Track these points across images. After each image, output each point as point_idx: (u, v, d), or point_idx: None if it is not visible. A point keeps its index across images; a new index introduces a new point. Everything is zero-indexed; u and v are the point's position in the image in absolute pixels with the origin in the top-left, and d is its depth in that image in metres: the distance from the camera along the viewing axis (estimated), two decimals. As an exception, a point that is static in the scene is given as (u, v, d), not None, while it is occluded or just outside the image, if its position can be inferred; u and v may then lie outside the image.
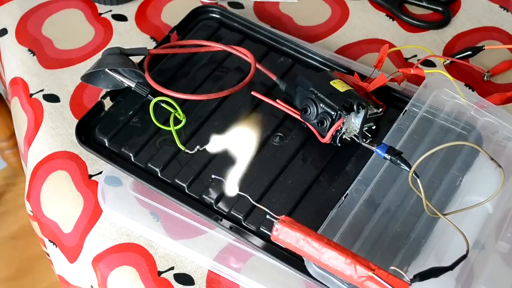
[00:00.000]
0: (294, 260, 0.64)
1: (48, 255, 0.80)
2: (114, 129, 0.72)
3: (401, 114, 0.70)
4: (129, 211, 0.69)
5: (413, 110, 0.70)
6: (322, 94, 0.69)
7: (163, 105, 0.72)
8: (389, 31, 0.86)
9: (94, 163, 0.74)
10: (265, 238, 0.65)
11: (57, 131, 0.77)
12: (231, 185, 0.67)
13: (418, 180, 0.60)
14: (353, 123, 0.69)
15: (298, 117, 0.71)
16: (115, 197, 0.70)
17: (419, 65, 0.78)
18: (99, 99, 0.74)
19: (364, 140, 0.67)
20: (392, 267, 0.56)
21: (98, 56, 0.81)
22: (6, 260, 1.39)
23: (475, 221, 0.64)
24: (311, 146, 0.71)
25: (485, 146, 0.69)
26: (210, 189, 0.68)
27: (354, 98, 0.68)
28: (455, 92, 0.71)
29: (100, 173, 0.73)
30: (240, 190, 0.67)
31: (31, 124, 0.78)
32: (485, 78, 0.81)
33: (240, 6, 0.88)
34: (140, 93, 0.73)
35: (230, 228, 0.66)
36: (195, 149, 0.70)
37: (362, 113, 0.68)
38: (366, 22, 0.86)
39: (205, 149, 0.70)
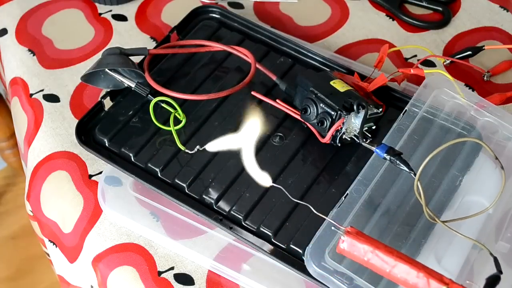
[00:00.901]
0: (294, 260, 0.64)
1: (48, 255, 0.80)
2: (114, 129, 0.72)
3: (401, 114, 0.70)
4: (129, 211, 0.69)
5: (413, 110, 0.70)
6: (322, 94, 0.69)
7: (163, 105, 0.72)
8: (389, 31, 0.86)
9: (94, 163, 0.74)
10: (265, 238, 0.65)
11: (57, 131, 0.77)
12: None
13: (418, 185, 0.60)
14: (353, 123, 0.69)
15: (298, 117, 0.71)
16: (115, 197, 0.70)
17: (419, 65, 0.78)
18: (99, 99, 0.74)
19: (364, 140, 0.67)
20: (467, 281, 0.54)
21: (98, 56, 0.81)
22: (6, 260, 1.39)
23: (475, 221, 0.64)
24: (311, 146, 0.71)
25: (485, 146, 0.69)
26: (210, 189, 0.68)
27: (354, 98, 0.68)
28: (455, 92, 0.71)
29: (100, 173, 0.73)
30: (240, 191, 0.67)
31: (31, 124, 0.78)
32: (485, 78, 0.81)
33: (240, 6, 0.88)
34: (140, 93, 0.73)
35: (230, 228, 0.66)
36: (195, 149, 0.70)
37: (362, 113, 0.68)
38: (366, 22, 0.86)
39: (205, 149, 0.70)
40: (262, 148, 0.71)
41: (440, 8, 0.87)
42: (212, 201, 0.67)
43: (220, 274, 0.66)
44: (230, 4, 0.88)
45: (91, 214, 0.71)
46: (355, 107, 0.67)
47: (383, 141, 0.66)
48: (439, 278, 0.52)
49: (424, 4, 0.87)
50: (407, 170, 0.62)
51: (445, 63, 0.82)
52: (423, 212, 0.62)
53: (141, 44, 0.84)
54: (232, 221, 0.66)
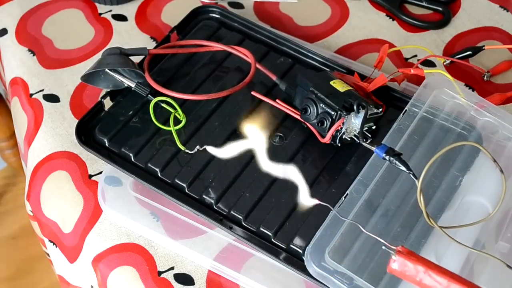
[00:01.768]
0: (294, 260, 0.64)
1: (48, 255, 0.80)
2: (114, 129, 0.72)
3: (401, 114, 0.70)
4: (129, 211, 0.69)
5: (413, 110, 0.70)
6: (322, 94, 0.69)
7: (163, 105, 0.72)
8: (389, 31, 0.86)
9: (94, 163, 0.74)
10: (265, 238, 0.65)
11: (57, 131, 0.77)
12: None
13: (418, 187, 0.59)
14: (353, 123, 0.69)
15: (298, 117, 0.71)
16: (115, 197, 0.70)
17: (419, 65, 0.78)
18: (99, 99, 0.74)
19: (364, 140, 0.67)
20: None
21: (98, 56, 0.81)
22: (6, 260, 1.39)
23: (475, 221, 0.64)
24: (311, 146, 0.71)
25: (485, 146, 0.69)
26: (210, 189, 0.68)
27: (354, 98, 0.68)
28: (455, 92, 0.71)
29: (100, 173, 0.73)
30: (240, 191, 0.67)
31: (31, 124, 0.78)
32: (485, 78, 0.81)
33: (240, 6, 0.88)
34: (140, 93, 0.73)
35: (230, 228, 0.66)
36: (195, 149, 0.70)
37: (362, 113, 0.68)
38: (366, 22, 0.86)
39: (205, 149, 0.70)
40: (262, 148, 0.71)
41: (440, 8, 0.87)
42: (212, 201, 0.67)
43: (220, 274, 0.66)
44: (230, 4, 0.88)
45: (91, 214, 0.71)
46: (355, 107, 0.67)
47: (383, 141, 0.66)
48: None
49: (424, 4, 0.87)
50: (406, 171, 0.62)
51: (445, 63, 0.82)
52: (424, 216, 0.61)
53: (141, 44, 0.84)
54: (232, 221, 0.66)
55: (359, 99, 0.68)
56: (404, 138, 0.68)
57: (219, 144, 0.71)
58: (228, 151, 0.71)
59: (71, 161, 0.74)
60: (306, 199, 0.67)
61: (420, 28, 0.86)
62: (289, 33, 0.84)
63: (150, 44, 0.84)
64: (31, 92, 0.80)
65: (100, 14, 0.87)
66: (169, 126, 0.71)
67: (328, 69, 0.77)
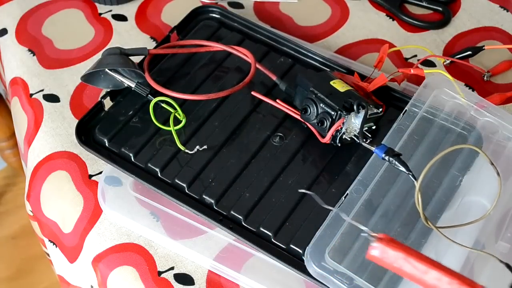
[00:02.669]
0: (294, 260, 0.64)
1: (48, 255, 0.80)
2: (114, 129, 0.72)
3: (401, 114, 0.70)
4: (129, 211, 0.69)
5: (413, 110, 0.70)
6: (322, 94, 0.69)
7: (163, 105, 0.72)
8: (389, 31, 0.86)
9: (94, 163, 0.74)
10: (265, 238, 0.65)
11: (57, 131, 0.77)
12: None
13: (416, 188, 0.59)
14: (353, 123, 0.69)
15: (298, 117, 0.71)
16: (115, 197, 0.70)
17: (419, 65, 0.78)
18: (99, 99, 0.74)
19: (364, 140, 0.67)
20: None
21: (98, 56, 0.81)
22: (6, 260, 1.39)
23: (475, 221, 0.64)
24: (311, 146, 0.71)
25: (485, 146, 0.69)
26: (210, 189, 0.68)
27: (354, 98, 0.68)
28: (455, 92, 0.71)
29: (100, 173, 0.73)
30: (240, 191, 0.67)
31: (31, 124, 0.78)
32: (485, 78, 0.81)
33: (240, 6, 0.88)
34: (140, 93, 0.73)
35: (230, 228, 0.66)
36: (195, 149, 0.70)
37: (362, 113, 0.68)
38: (366, 22, 0.86)
39: (205, 149, 0.70)
40: (262, 148, 0.71)
41: (440, 8, 0.87)
42: (212, 201, 0.67)
43: (220, 274, 0.66)
44: (230, 4, 0.88)
45: (91, 214, 0.71)
46: (355, 107, 0.67)
47: (383, 142, 0.66)
48: (472, 284, 0.52)
49: (424, 4, 0.87)
50: (406, 171, 0.62)
51: (445, 63, 0.82)
52: (422, 219, 0.61)
53: (141, 44, 0.84)
54: (232, 221, 0.66)
55: (359, 99, 0.68)
56: (404, 138, 0.68)
57: (219, 144, 0.71)
58: (228, 151, 0.71)
59: (71, 161, 0.74)
60: (306, 199, 0.67)
61: (420, 28, 0.86)
62: (289, 33, 0.84)
63: (150, 44, 0.84)
64: (31, 92, 0.80)
65: (100, 14, 0.87)
66: (169, 126, 0.71)
67: (328, 69, 0.77)
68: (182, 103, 0.72)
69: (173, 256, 0.68)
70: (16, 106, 0.82)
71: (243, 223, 0.66)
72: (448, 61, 0.81)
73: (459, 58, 0.81)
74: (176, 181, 0.68)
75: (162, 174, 0.69)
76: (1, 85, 1.00)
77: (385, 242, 0.54)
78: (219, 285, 0.66)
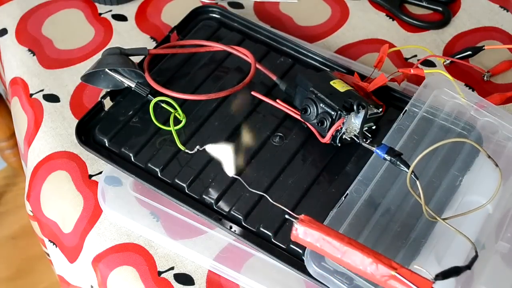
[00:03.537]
0: (294, 260, 0.64)
1: (48, 255, 0.80)
2: (114, 129, 0.72)
3: (401, 114, 0.70)
4: (129, 211, 0.69)
5: (413, 110, 0.70)
6: (322, 94, 0.69)
7: (163, 105, 0.72)
8: (389, 31, 0.86)
9: (94, 163, 0.74)
10: (265, 238, 0.65)
11: (57, 131, 0.77)
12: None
13: (417, 182, 0.60)
14: (353, 123, 0.69)
15: (298, 117, 0.71)
16: (115, 197, 0.70)
17: (419, 65, 0.78)
18: (99, 99, 0.74)
19: (364, 140, 0.67)
20: (415, 266, 0.55)
21: (98, 56, 0.81)
22: (6, 260, 1.39)
23: (475, 221, 0.64)
24: (311, 146, 0.71)
25: (485, 146, 0.69)
26: (210, 189, 0.68)
27: (354, 98, 0.68)
28: (455, 92, 0.71)
29: (100, 173, 0.73)
30: (240, 191, 0.67)
31: (31, 124, 0.78)
32: (485, 78, 0.81)
33: (240, 6, 0.88)
34: (140, 93, 0.73)
35: (230, 228, 0.66)
36: (195, 149, 0.70)
37: (362, 113, 0.68)
38: (366, 22, 0.86)
39: (205, 149, 0.70)
40: (262, 148, 0.71)
41: (440, 8, 0.87)
42: (212, 201, 0.67)
43: (220, 274, 0.66)
44: (230, 4, 0.88)
45: (91, 214, 0.71)
46: (355, 107, 0.67)
47: (383, 141, 0.65)
48: (388, 263, 0.53)
49: (424, 4, 0.87)
50: (407, 171, 0.62)
51: (445, 63, 0.82)
52: (423, 212, 0.62)
53: (141, 44, 0.84)
54: (232, 221, 0.66)
55: (359, 99, 0.68)
56: (404, 138, 0.68)
57: (219, 144, 0.71)
58: (228, 151, 0.71)
59: (71, 161, 0.74)
60: (306, 199, 0.67)
61: (420, 28, 0.86)
62: (289, 33, 0.84)
63: (150, 44, 0.84)
64: (31, 92, 0.80)
65: (100, 14, 0.87)
66: (169, 126, 0.71)
67: (328, 69, 0.77)
68: (182, 103, 0.72)
69: (173, 256, 0.68)
70: (16, 106, 0.82)
71: (243, 223, 0.66)
72: (448, 61, 0.81)
73: (459, 58, 0.81)
74: (176, 181, 0.68)
75: (162, 174, 0.69)
76: (1, 85, 1.00)
77: (306, 223, 0.56)
78: (219, 285, 0.66)
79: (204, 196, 0.68)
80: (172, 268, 0.67)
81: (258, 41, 0.80)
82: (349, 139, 0.69)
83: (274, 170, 0.69)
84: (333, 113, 0.68)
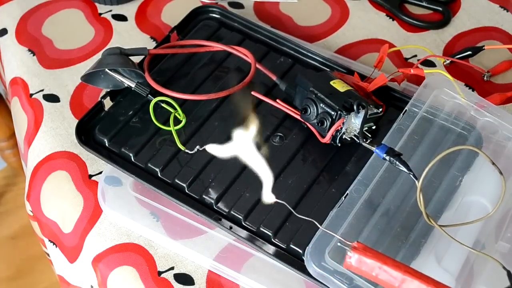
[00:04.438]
0: (294, 260, 0.64)
1: (48, 255, 0.80)
2: (114, 129, 0.72)
3: (401, 114, 0.70)
4: (129, 211, 0.69)
5: (413, 110, 0.70)
6: (322, 94, 0.69)
7: (163, 105, 0.72)
8: (389, 31, 0.86)
9: (94, 163, 0.74)
10: (265, 238, 0.65)
11: (57, 131, 0.77)
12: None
13: (418, 188, 0.59)
14: (353, 123, 0.69)
15: (298, 117, 0.71)
16: (115, 197, 0.70)
17: (419, 65, 0.78)
18: (99, 99, 0.74)
19: (364, 140, 0.67)
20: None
21: (98, 56, 0.81)
22: (6, 260, 1.39)
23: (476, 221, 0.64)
24: (311, 146, 0.71)
25: (485, 146, 0.69)
26: (210, 189, 0.68)
27: (354, 98, 0.68)
28: (455, 92, 0.71)
29: (100, 173, 0.73)
30: (240, 191, 0.67)
31: (31, 124, 0.78)
32: (485, 78, 0.81)
33: (240, 6, 0.88)
34: (140, 93, 0.73)
35: (230, 228, 0.66)
36: (195, 149, 0.70)
37: (362, 113, 0.68)
38: (366, 22, 0.86)
39: (205, 149, 0.70)
40: (262, 148, 0.71)
41: (440, 8, 0.87)
42: (212, 201, 0.67)
43: (220, 274, 0.66)
44: (230, 4, 0.88)
45: (91, 214, 0.71)
46: (355, 107, 0.67)
47: (383, 141, 0.65)
48: None
49: (424, 4, 0.87)
50: (407, 171, 0.62)
51: (445, 63, 0.82)
52: (423, 216, 0.62)
53: (141, 44, 0.84)
54: (232, 221, 0.66)
55: (359, 99, 0.68)
56: (404, 138, 0.68)
57: (219, 144, 0.71)
58: (228, 151, 0.71)
59: (71, 161, 0.74)
60: (306, 199, 0.67)
61: (420, 28, 0.86)
62: (289, 33, 0.84)
63: (150, 44, 0.84)
64: (31, 92, 0.80)
65: (100, 14, 0.87)
66: (169, 126, 0.71)
67: (328, 69, 0.77)
68: (182, 103, 0.72)
69: (173, 256, 0.68)
70: (16, 106, 0.82)
71: (243, 223, 0.66)
72: (448, 61, 0.81)
73: (459, 58, 0.81)
74: (176, 181, 0.68)
75: (162, 174, 0.69)
76: (1, 85, 1.00)
77: (360, 251, 0.53)
78: (219, 285, 0.66)
79: (204, 196, 0.68)
80: (172, 268, 0.67)
81: (258, 41, 0.80)
82: (349, 139, 0.69)
83: (274, 170, 0.69)
84: (333, 113, 0.68)
